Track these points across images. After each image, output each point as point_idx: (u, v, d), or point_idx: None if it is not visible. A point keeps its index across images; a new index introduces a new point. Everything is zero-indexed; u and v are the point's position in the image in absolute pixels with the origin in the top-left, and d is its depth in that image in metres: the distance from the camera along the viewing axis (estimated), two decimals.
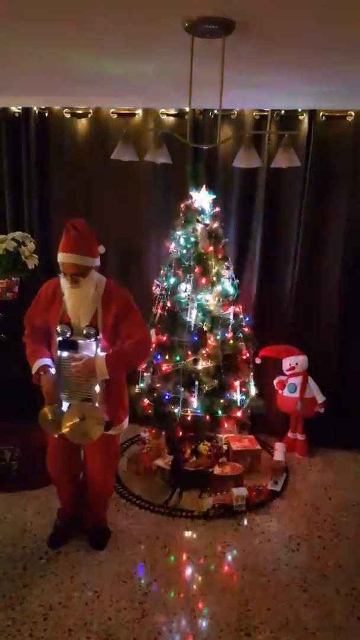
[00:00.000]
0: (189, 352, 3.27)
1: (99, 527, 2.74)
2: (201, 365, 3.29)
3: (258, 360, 3.64)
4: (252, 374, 3.56)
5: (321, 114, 3.48)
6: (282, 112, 3.53)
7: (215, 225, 3.40)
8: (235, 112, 3.59)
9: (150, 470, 3.30)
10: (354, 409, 3.78)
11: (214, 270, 3.38)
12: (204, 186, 3.39)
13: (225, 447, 3.43)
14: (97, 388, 2.38)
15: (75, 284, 2.31)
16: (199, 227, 3.35)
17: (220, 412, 3.32)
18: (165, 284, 3.44)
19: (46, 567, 2.54)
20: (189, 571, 2.56)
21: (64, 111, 3.68)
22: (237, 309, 3.46)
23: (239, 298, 3.51)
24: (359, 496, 3.25)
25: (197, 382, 3.28)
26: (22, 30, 2.16)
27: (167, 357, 3.29)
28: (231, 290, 3.43)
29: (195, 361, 3.29)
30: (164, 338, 3.29)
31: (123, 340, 2.40)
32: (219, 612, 2.30)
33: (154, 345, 3.23)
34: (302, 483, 3.38)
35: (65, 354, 2.40)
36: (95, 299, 2.38)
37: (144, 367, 3.40)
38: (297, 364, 3.67)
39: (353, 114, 3.45)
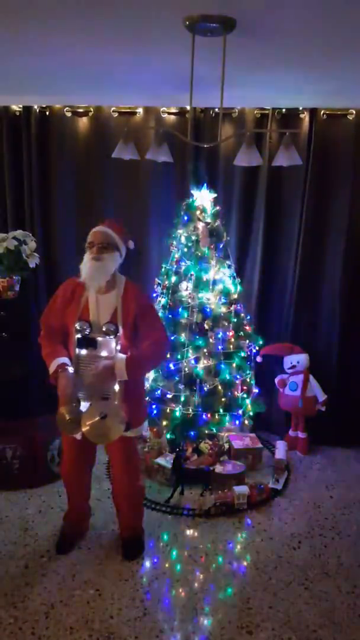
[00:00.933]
0: (190, 351, 3.28)
1: (135, 538, 2.68)
2: (202, 364, 3.30)
3: (259, 359, 3.64)
4: (253, 372, 3.57)
5: (322, 112, 3.48)
6: (283, 110, 3.52)
7: (216, 223, 3.40)
8: (237, 110, 3.58)
9: (152, 468, 3.30)
10: (355, 407, 3.79)
11: (215, 269, 3.38)
12: (205, 185, 3.39)
13: (226, 445, 3.44)
14: (117, 387, 2.35)
15: (98, 255, 2.31)
16: (200, 225, 3.35)
17: (221, 410, 3.32)
18: (166, 282, 3.44)
19: (48, 566, 2.54)
20: (190, 569, 2.56)
21: (64, 110, 3.68)
22: (238, 308, 3.46)
23: (240, 296, 3.51)
24: None
25: (198, 381, 3.28)
26: (23, 28, 2.16)
27: (168, 355, 3.29)
28: (232, 288, 3.43)
29: (197, 360, 3.30)
30: None
31: (142, 341, 2.39)
32: (220, 610, 2.31)
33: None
34: (303, 481, 3.38)
35: (83, 352, 2.37)
36: (115, 296, 2.38)
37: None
38: (298, 362, 3.67)
39: (354, 112, 3.44)
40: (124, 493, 2.61)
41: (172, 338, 3.28)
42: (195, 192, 3.40)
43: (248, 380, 3.50)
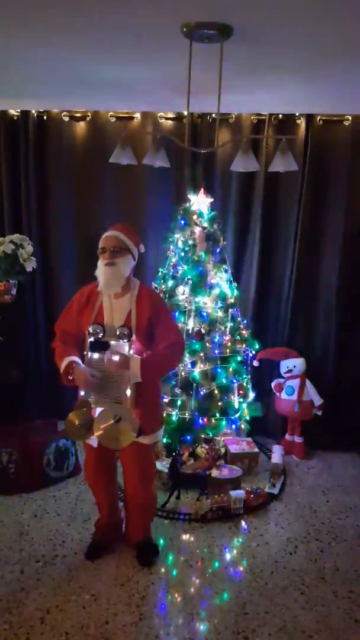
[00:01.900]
0: (187, 355, 3.28)
1: (146, 543, 2.65)
2: (199, 368, 3.30)
3: (256, 363, 3.65)
4: (249, 376, 3.57)
5: (318, 118, 3.50)
6: (280, 116, 3.55)
7: (213, 228, 3.41)
8: (233, 116, 3.60)
9: None
10: (352, 412, 3.80)
11: (212, 273, 3.39)
12: (202, 189, 3.40)
13: (222, 449, 3.44)
14: (129, 391, 2.31)
15: (111, 260, 2.31)
16: (197, 230, 3.36)
17: (217, 415, 3.32)
18: (163, 286, 3.45)
19: (43, 571, 2.53)
20: (186, 574, 2.56)
21: (62, 114, 3.69)
22: (235, 312, 3.47)
23: (237, 301, 3.51)
24: (357, 499, 3.25)
25: (194, 385, 3.28)
26: (22, 34, 2.17)
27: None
28: (229, 293, 3.44)
29: (193, 364, 3.30)
30: None
31: (156, 344, 2.37)
32: (216, 615, 2.30)
33: None
34: (299, 486, 3.38)
35: (96, 355, 2.33)
36: (129, 299, 2.37)
37: None
38: (294, 366, 3.68)
39: (350, 118, 3.47)
40: (136, 501, 2.57)
41: None
42: (192, 197, 3.42)
43: (244, 384, 3.50)
